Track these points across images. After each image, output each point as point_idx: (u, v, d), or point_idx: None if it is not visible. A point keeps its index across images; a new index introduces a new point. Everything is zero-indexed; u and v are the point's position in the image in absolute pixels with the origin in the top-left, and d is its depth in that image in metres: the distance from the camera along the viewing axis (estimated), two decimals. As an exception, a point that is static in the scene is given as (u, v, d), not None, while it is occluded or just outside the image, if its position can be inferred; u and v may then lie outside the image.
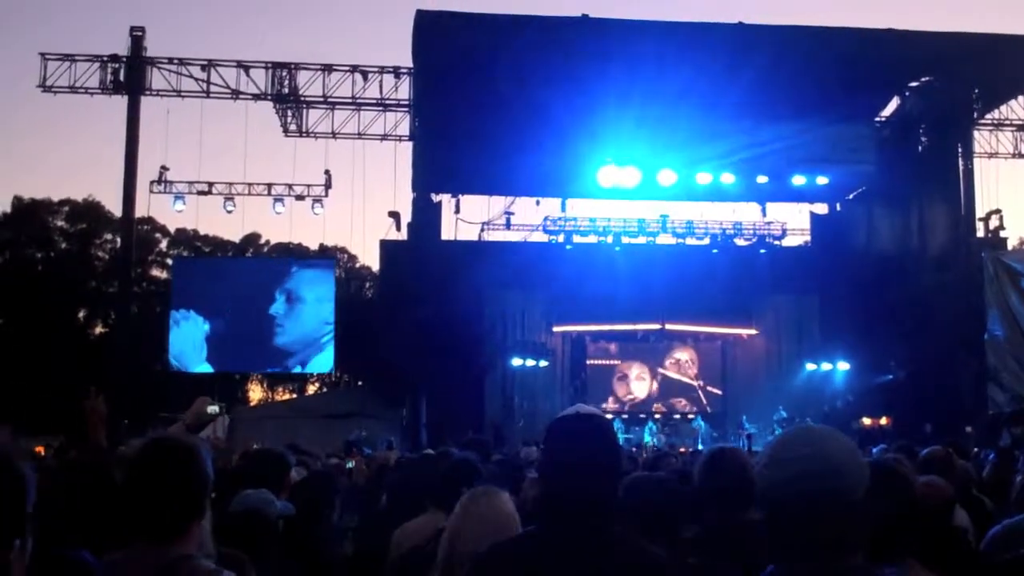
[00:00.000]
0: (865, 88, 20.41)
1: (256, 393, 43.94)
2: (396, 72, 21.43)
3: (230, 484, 4.22)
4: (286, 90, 21.42)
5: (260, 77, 21.18)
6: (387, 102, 21.81)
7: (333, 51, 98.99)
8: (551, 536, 2.32)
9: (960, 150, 21.67)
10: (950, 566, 2.96)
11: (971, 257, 21.12)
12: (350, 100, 21.69)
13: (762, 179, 21.69)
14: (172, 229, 42.39)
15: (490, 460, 6.49)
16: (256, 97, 21.23)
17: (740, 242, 25.15)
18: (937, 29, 19.45)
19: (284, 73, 21.35)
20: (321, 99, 21.65)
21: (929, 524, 3.11)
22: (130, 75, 20.81)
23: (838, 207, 25.67)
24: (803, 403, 22.51)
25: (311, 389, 42.33)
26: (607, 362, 25.81)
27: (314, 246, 40.12)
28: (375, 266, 29.90)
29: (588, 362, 25.38)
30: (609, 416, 12.27)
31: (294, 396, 40.52)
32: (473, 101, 19.00)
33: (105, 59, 20.92)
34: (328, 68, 21.35)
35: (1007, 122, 23.54)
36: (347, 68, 21.37)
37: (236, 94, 21.18)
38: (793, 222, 26.05)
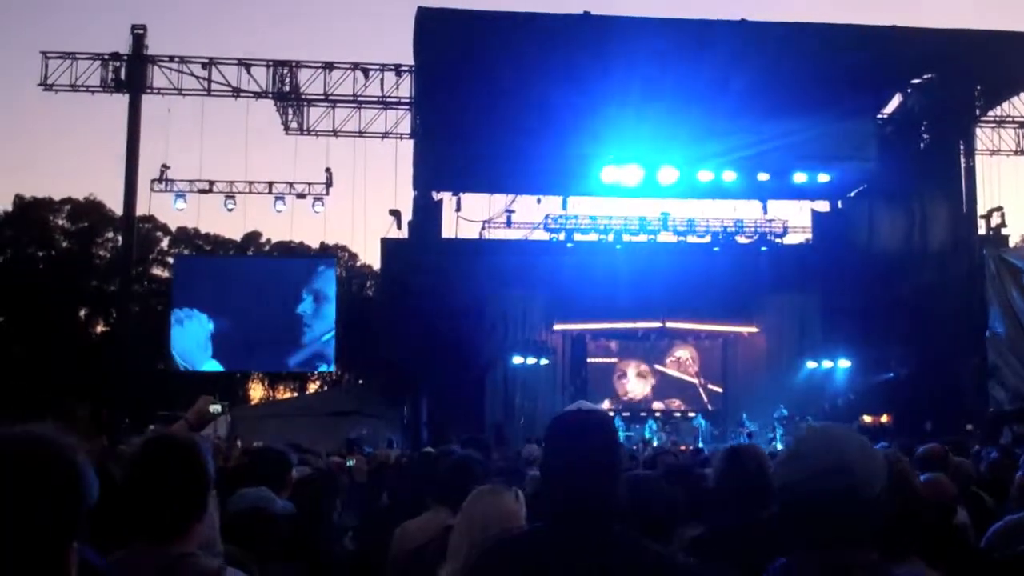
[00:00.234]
0: (867, 85, 20.38)
1: (257, 392, 44.00)
2: (397, 70, 21.41)
3: (230, 483, 4.22)
4: (287, 88, 21.41)
5: (261, 75, 21.21)
6: (388, 100, 21.80)
7: (334, 49, 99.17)
8: (552, 532, 2.31)
9: (962, 147, 21.64)
10: (952, 563, 2.95)
11: (972, 254, 21.10)
12: (351, 98, 21.68)
13: (763, 176, 21.66)
14: (173, 228, 42.47)
15: (490, 459, 6.49)
16: (257, 95, 21.22)
17: (741, 240, 25.17)
18: (939, 26, 19.42)
19: (285, 71, 21.35)
20: (322, 97, 21.64)
21: (932, 521, 3.11)
22: (131, 73, 20.82)
23: (839, 204, 25.66)
24: (804, 401, 22.51)
25: (312, 388, 42.39)
26: (608, 360, 25.80)
27: (315, 244, 40.24)
28: (376, 264, 29.98)
29: (589, 360, 25.38)
30: (611, 413, 12.25)
31: (295, 395, 40.54)
32: (474, 99, 18.99)
33: (106, 57, 20.92)
34: (329, 66, 21.34)
35: (1009, 119, 23.54)
36: (348, 66, 21.36)
37: (237, 92, 21.17)
38: (794, 220, 26.12)
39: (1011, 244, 24.91)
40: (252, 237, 42.70)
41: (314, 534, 4.60)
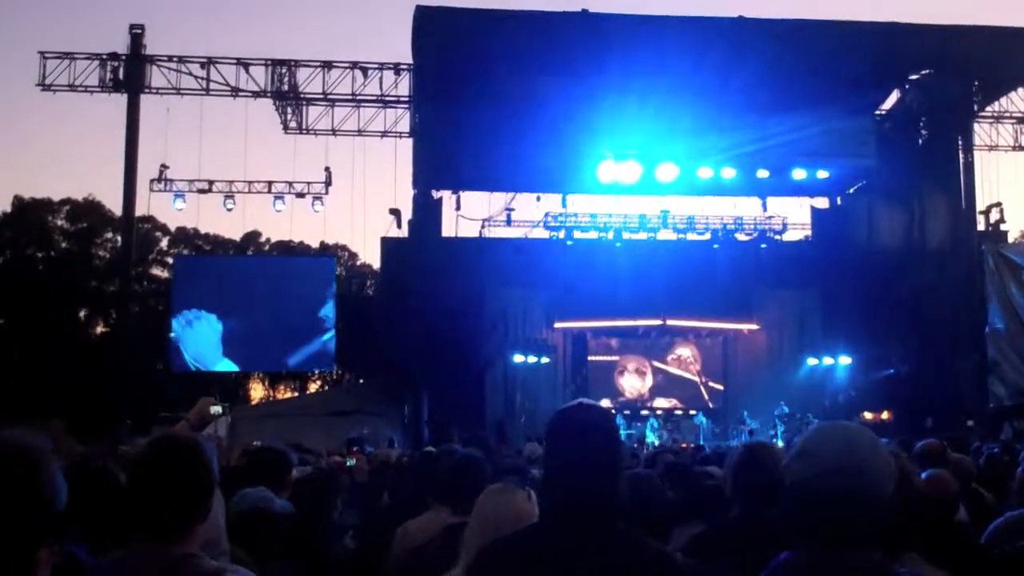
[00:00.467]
0: (865, 82, 20.39)
1: (257, 392, 43.93)
2: (396, 68, 21.41)
3: (231, 482, 4.22)
4: (286, 87, 21.41)
5: (260, 74, 21.23)
6: (387, 98, 21.81)
7: (333, 48, 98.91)
8: (553, 530, 2.31)
9: (960, 143, 21.64)
10: (953, 560, 2.95)
11: (971, 250, 21.11)
12: (350, 97, 21.68)
13: (763, 173, 21.67)
14: (172, 228, 42.40)
15: (495, 457, 6.48)
16: (256, 94, 21.23)
17: (741, 237, 25.15)
18: (937, 22, 19.41)
19: (284, 70, 21.35)
20: (321, 96, 21.63)
21: (933, 518, 3.11)
22: (129, 73, 20.81)
23: (839, 201, 25.67)
24: (805, 398, 22.50)
25: (312, 387, 42.35)
26: (608, 358, 25.79)
27: (315, 244, 40.16)
28: (376, 263, 29.93)
29: (589, 358, 25.34)
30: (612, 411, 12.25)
31: (295, 395, 40.51)
32: (473, 97, 19.00)
33: (104, 57, 20.92)
34: (328, 65, 21.34)
35: (1007, 115, 23.54)
36: (347, 65, 21.36)
37: (236, 91, 21.18)
38: (794, 216, 26.10)
39: (1010, 239, 24.93)
40: (252, 237, 42.61)
41: (314, 534, 4.59)
